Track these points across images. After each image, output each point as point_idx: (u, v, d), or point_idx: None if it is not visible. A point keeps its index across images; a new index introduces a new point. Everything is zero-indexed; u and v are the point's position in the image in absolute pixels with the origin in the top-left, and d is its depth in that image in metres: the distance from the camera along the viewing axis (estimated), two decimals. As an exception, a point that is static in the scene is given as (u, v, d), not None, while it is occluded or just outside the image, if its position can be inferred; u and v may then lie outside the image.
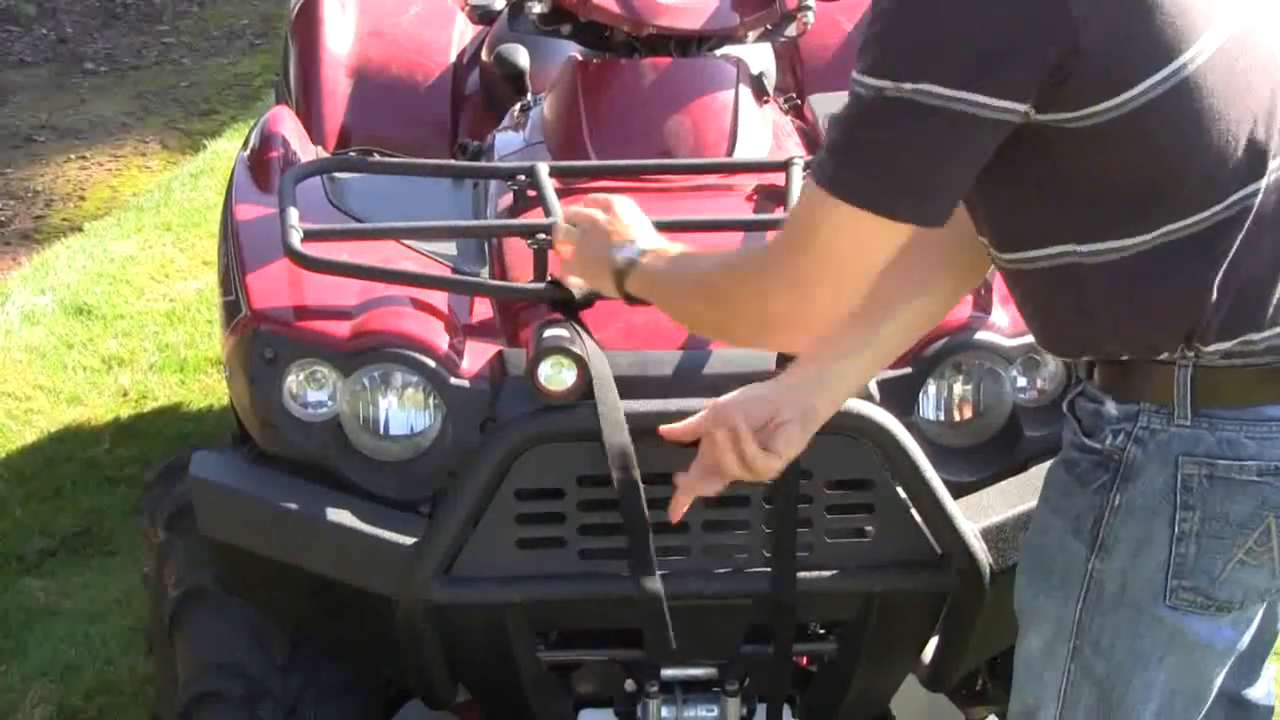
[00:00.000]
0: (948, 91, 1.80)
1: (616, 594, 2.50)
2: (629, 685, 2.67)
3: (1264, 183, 1.93)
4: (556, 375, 2.44)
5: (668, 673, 2.65)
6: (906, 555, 2.52)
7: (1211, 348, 1.96)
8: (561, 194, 2.79)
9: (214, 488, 2.62)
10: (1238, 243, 1.93)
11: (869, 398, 2.51)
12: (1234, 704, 2.28)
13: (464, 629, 2.56)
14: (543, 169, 2.83)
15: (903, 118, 1.81)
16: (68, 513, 4.50)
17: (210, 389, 5.07)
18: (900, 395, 2.57)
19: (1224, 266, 1.93)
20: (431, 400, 2.57)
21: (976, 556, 2.52)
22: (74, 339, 5.48)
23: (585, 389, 2.44)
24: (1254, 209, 1.92)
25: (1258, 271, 1.95)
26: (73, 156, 7.43)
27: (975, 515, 2.53)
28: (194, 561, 2.80)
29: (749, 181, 2.98)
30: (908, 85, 1.80)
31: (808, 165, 2.89)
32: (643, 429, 2.44)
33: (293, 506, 2.54)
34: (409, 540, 2.49)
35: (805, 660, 2.79)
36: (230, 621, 2.76)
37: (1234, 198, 1.91)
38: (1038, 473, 2.55)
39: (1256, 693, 2.33)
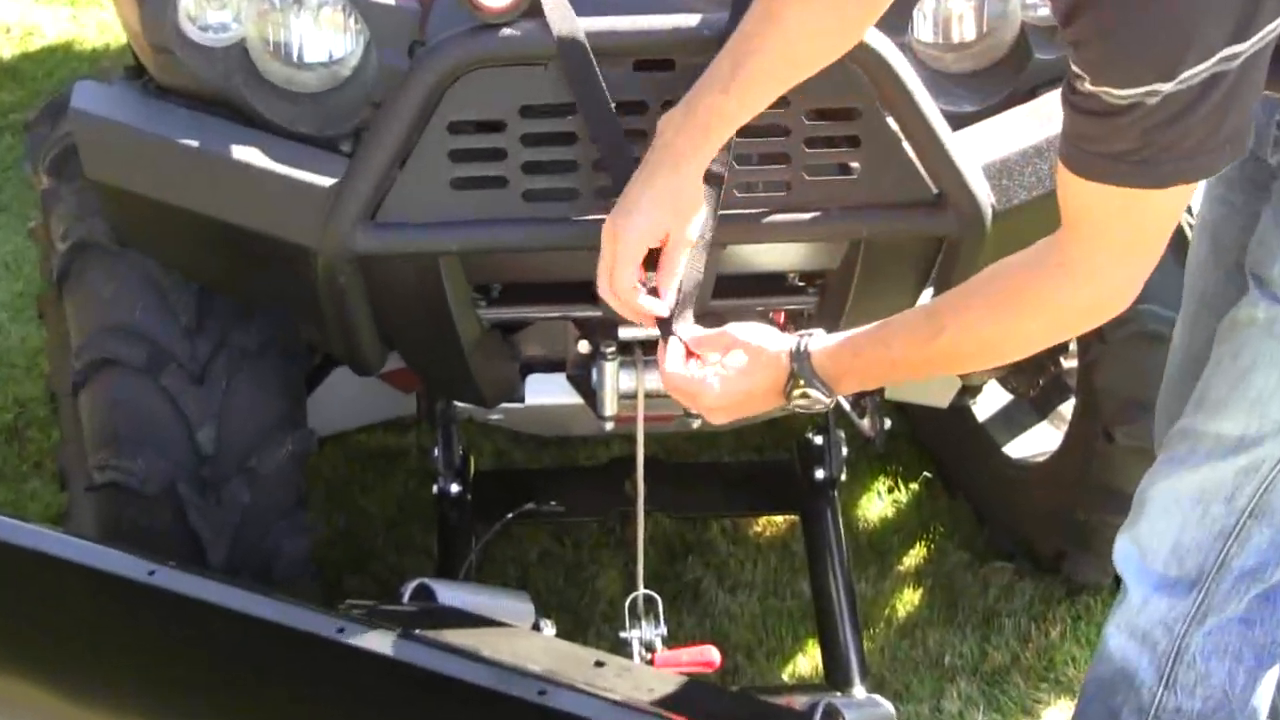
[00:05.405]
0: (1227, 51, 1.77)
1: (567, 240, 2.35)
2: (583, 346, 2.63)
3: None
4: (494, -13, 2.30)
5: (626, 333, 2.58)
6: (897, 195, 2.39)
7: None
8: None
9: (100, 122, 2.45)
10: None
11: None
12: None
13: (393, 283, 2.44)
14: None
15: (1196, 100, 1.79)
16: (-55, 166, 4.38)
17: (107, 25, 4.93)
18: (892, 12, 2.35)
19: None
20: (351, 21, 2.40)
21: (977, 196, 2.38)
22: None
23: (529, 4, 2.26)
24: None
25: None
26: None
27: (977, 150, 2.39)
28: (83, 210, 2.68)
29: None
30: (1185, 73, 1.77)
31: None
32: (601, 50, 2.26)
33: (192, 143, 2.39)
34: (328, 181, 2.35)
35: (782, 318, 2.70)
36: (127, 278, 2.65)
37: None
38: (1047, 101, 2.44)
39: None
